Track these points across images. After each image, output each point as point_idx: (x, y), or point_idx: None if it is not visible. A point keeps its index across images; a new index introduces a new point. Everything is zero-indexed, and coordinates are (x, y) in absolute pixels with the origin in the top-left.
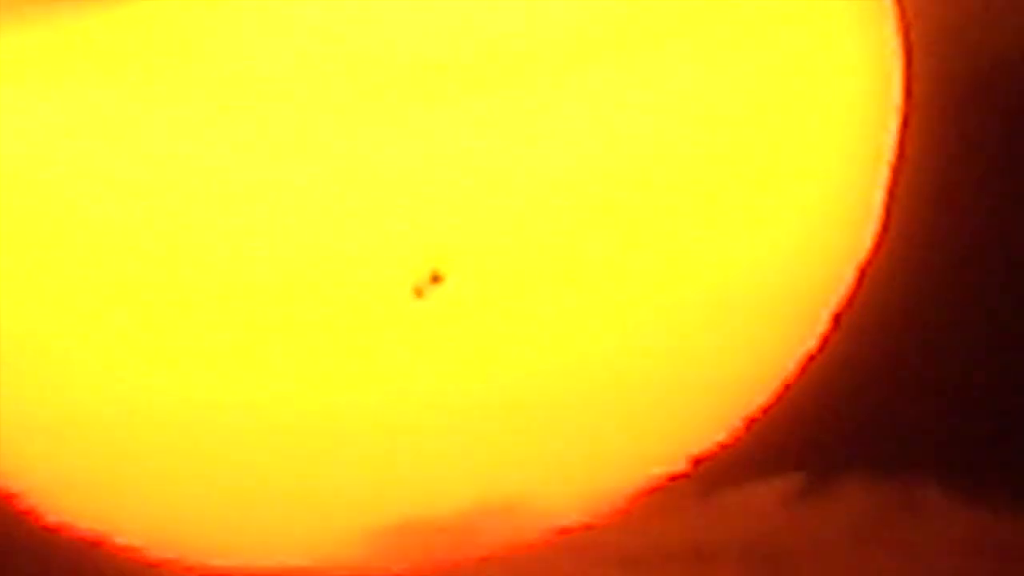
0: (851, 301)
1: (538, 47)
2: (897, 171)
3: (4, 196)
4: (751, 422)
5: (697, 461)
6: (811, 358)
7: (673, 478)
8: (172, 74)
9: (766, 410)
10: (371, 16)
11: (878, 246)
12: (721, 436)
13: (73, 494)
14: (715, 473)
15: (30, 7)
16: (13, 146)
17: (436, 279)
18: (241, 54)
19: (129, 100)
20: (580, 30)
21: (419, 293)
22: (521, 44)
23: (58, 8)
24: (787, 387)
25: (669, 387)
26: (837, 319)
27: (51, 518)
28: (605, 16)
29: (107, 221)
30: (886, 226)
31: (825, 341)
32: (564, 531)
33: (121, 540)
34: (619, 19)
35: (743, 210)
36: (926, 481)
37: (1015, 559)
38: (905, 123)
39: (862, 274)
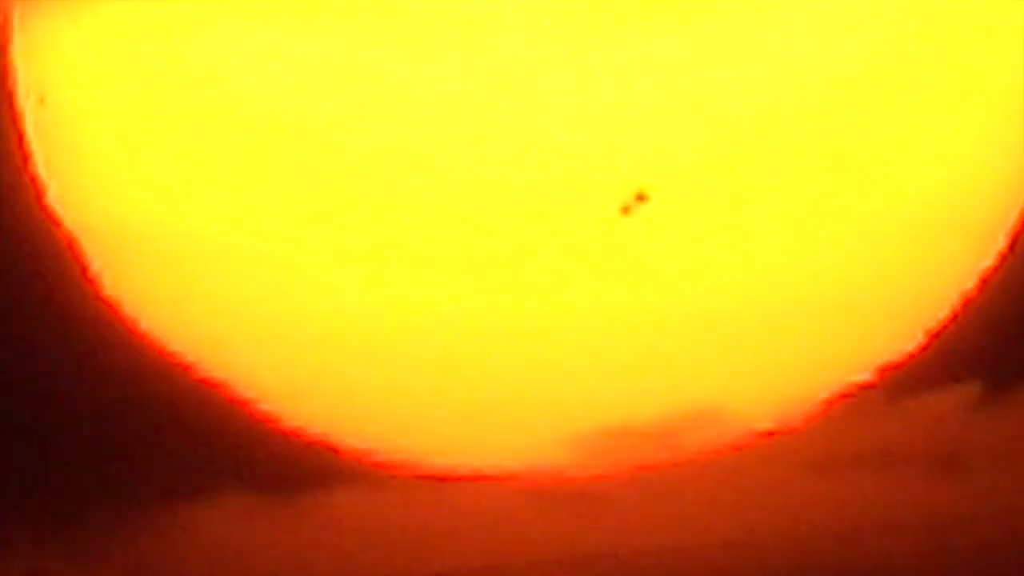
0: None
1: None
2: None
3: (254, 124)
4: (934, 333)
5: (884, 370)
6: (989, 273)
7: (861, 386)
8: (398, 14)
9: (948, 322)
10: None
11: None
12: (906, 346)
13: (304, 400)
14: (900, 381)
15: None
16: (253, 78)
17: (641, 198)
18: None
19: (364, 37)
20: None
21: (626, 211)
22: None
23: None
24: (967, 301)
25: (857, 299)
26: (1014, 238)
27: (285, 423)
28: None
29: (340, 145)
30: None
31: (1002, 258)
32: (758, 436)
33: (348, 442)
34: None
35: (930, 135)
36: None
37: None
38: None
39: None
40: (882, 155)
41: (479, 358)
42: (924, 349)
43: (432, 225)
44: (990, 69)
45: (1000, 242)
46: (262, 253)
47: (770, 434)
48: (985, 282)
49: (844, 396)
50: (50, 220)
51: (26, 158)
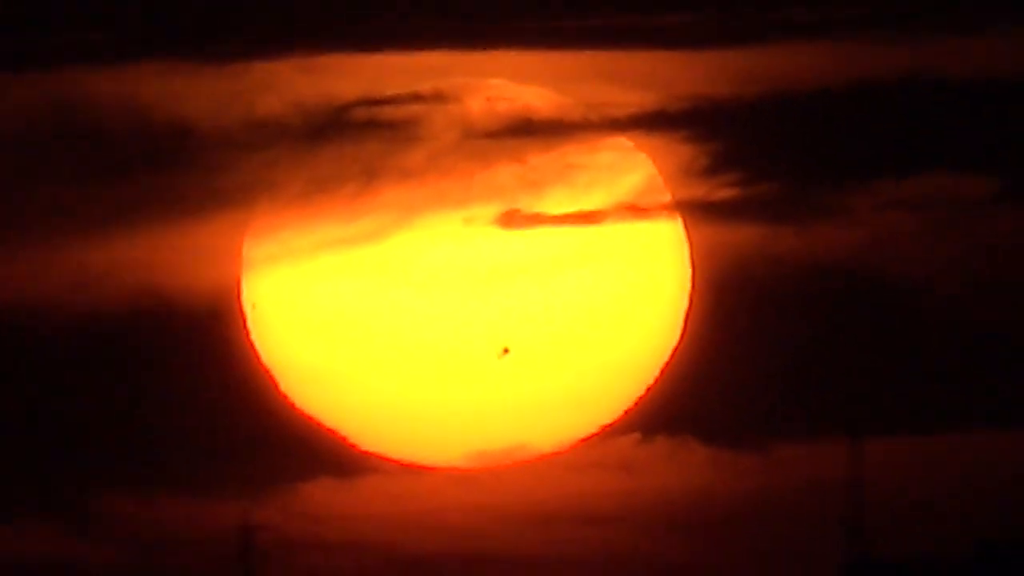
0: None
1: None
2: (680, 343)
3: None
4: (627, 410)
5: (602, 426)
6: (655, 382)
7: (594, 433)
8: (383, 272)
9: (633, 406)
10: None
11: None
12: (615, 414)
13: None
14: (613, 430)
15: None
16: (360, 307)
17: (506, 351)
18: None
19: (371, 287)
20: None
21: (500, 357)
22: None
23: (342, 241)
24: (648, 389)
25: (596, 396)
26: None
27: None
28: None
29: (368, 344)
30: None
31: (663, 371)
32: (546, 455)
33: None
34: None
35: (593, 355)
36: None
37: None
38: (688, 314)
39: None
40: (577, 364)
41: (433, 418)
42: (619, 419)
43: (421, 373)
44: (630, 325)
45: (663, 360)
46: (351, 375)
47: (552, 453)
48: (657, 381)
49: (590, 436)
50: (257, 359)
51: (247, 334)
